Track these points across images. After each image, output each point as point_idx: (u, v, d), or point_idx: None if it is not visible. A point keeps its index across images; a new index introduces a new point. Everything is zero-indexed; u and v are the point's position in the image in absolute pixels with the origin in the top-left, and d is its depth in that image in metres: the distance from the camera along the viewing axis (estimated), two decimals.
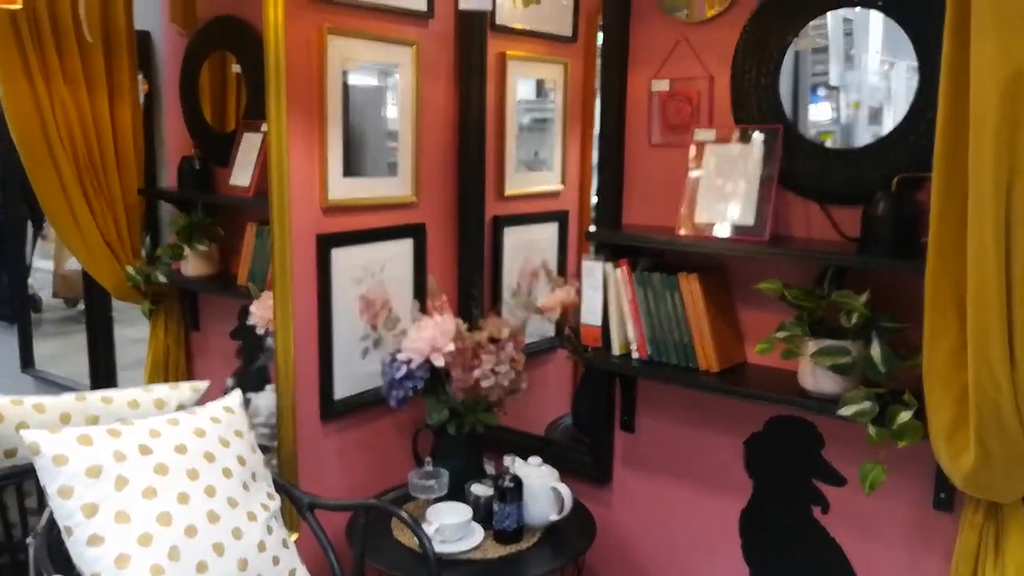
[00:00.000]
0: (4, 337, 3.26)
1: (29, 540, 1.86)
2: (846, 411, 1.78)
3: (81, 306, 2.96)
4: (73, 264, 2.82)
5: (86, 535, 1.60)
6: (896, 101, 2.10)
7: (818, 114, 2.15)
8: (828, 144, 2.16)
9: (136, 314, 2.60)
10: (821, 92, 2.13)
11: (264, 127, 2.23)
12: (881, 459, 1.79)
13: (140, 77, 2.55)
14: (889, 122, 2.13)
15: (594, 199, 2.56)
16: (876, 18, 1.94)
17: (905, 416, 1.72)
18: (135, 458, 1.71)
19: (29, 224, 3.12)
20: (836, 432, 2.03)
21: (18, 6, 1.75)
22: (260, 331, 2.34)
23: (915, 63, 1.85)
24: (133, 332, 2.69)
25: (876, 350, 1.77)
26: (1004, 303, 1.46)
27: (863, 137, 2.15)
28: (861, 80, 2.16)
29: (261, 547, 1.78)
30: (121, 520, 1.62)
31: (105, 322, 2.76)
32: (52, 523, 1.67)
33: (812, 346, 1.87)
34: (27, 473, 1.79)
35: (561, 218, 2.83)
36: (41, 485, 1.67)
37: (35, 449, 1.65)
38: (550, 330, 2.67)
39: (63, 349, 3.20)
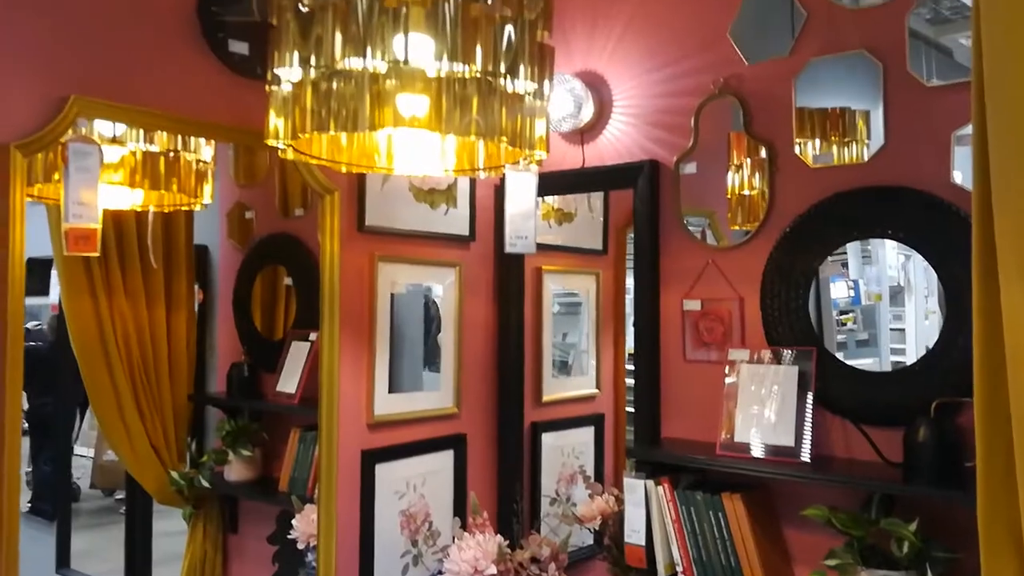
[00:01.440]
0: (41, 535, 3.25)
1: None
2: None
3: (118, 495, 2.96)
4: (112, 454, 2.87)
5: None
6: (916, 290, 2.17)
7: (838, 292, 2.22)
8: (850, 326, 2.23)
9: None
10: (840, 269, 2.20)
11: (312, 336, 2.35)
12: None
13: (196, 287, 2.70)
14: (910, 306, 2.19)
15: (629, 408, 2.61)
16: None
17: None
18: None
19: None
20: None
21: (96, 254, 1.90)
22: (301, 546, 2.34)
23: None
24: (169, 525, 2.68)
25: None
26: None
27: (885, 318, 2.22)
28: (880, 273, 2.25)
29: None
30: None
31: (145, 516, 2.76)
32: None
33: (865, 575, 1.84)
34: None
35: (597, 422, 2.87)
36: None
37: None
38: (588, 537, 2.63)
39: (99, 543, 3.16)
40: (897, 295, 2.23)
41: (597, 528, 2.48)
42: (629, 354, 2.74)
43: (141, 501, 2.72)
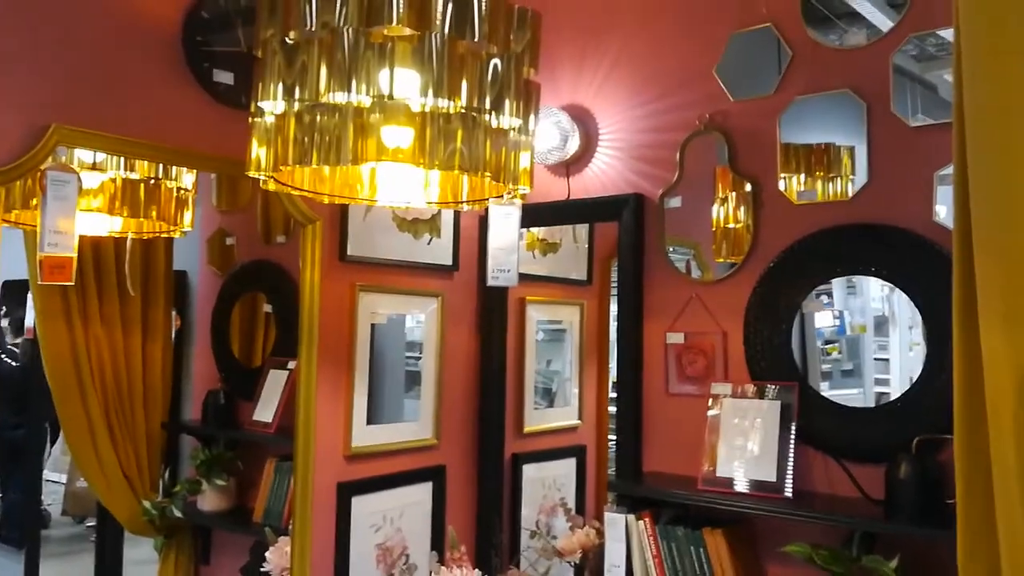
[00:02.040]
0: (9, 563, 3.16)
1: None
2: None
3: (89, 522, 2.90)
4: (84, 481, 2.81)
5: None
6: (900, 322, 2.18)
7: (823, 321, 2.22)
8: (835, 356, 2.24)
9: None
10: (824, 299, 2.20)
11: (290, 364, 2.31)
12: None
13: (174, 313, 2.66)
14: (895, 337, 2.20)
15: (612, 438, 2.59)
16: None
17: None
18: None
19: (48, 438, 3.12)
20: None
21: (71, 283, 1.87)
22: None
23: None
24: (140, 553, 2.62)
25: None
26: None
27: (870, 348, 2.23)
28: (864, 305, 2.25)
29: None
30: None
31: (115, 544, 2.70)
32: None
33: None
34: None
35: (579, 453, 2.85)
36: None
37: None
38: (568, 571, 2.60)
39: (68, 572, 3.09)
40: (882, 326, 2.24)
41: (577, 562, 2.46)
42: (613, 383, 2.73)
43: (112, 529, 2.66)
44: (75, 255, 1.83)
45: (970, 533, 1.56)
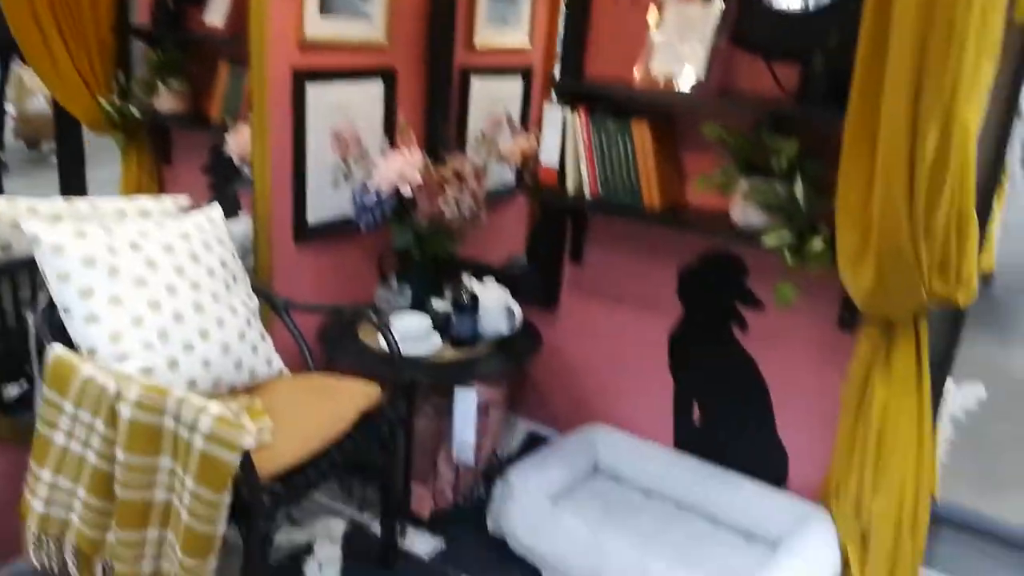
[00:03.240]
0: None
1: (29, 314, 1.99)
2: (769, 241, 2.00)
3: (44, 149, 2.97)
4: (36, 106, 2.84)
5: (82, 314, 1.77)
6: None
7: None
8: None
9: (105, 156, 2.66)
10: None
11: None
12: (794, 282, 2.05)
13: None
14: None
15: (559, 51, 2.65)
16: None
17: (818, 245, 1.95)
18: (126, 253, 1.86)
19: None
20: (759, 263, 2.29)
21: None
22: (236, 162, 2.45)
23: None
24: (102, 174, 2.75)
25: (799, 189, 1.98)
26: (910, 143, 1.66)
27: None
28: None
29: (242, 336, 1.97)
30: (114, 304, 1.79)
31: (77, 165, 2.81)
32: (51, 304, 1.82)
33: (744, 184, 2.08)
34: (20, 266, 1.93)
35: (526, 73, 2.95)
36: (40, 271, 1.81)
37: (35, 239, 1.79)
38: (511, 179, 2.83)
39: (31, 188, 3.22)
40: None
41: (518, 166, 2.67)
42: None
43: (71, 150, 2.74)
44: None
45: (862, 97, 1.76)
